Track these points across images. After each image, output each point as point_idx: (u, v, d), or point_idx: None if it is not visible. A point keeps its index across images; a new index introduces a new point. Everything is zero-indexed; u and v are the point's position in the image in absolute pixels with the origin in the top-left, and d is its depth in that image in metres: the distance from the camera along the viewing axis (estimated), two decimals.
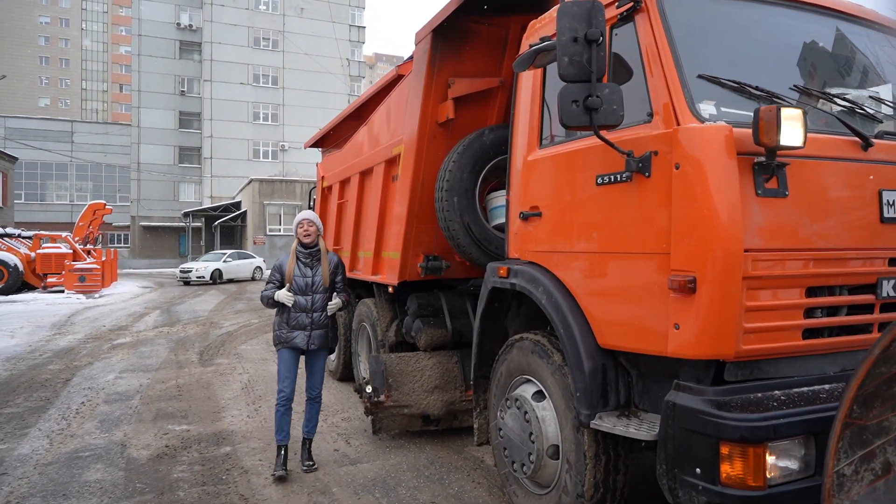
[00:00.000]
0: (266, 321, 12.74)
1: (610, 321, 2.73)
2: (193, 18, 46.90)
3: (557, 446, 3.09)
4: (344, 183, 6.73)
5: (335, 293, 4.49)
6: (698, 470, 2.26)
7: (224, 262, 26.69)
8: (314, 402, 4.56)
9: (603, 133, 2.48)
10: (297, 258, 4.36)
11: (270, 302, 4.35)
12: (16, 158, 36.97)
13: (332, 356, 7.34)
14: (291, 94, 45.86)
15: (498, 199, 4.40)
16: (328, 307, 4.38)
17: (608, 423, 2.67)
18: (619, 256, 2.64)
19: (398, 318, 5.54)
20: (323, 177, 7.56)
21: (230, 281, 26.35)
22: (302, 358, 4.50)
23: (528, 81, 3.38)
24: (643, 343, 2.56)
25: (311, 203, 8.73)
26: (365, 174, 5.98)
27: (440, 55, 4.35)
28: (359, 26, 49.49)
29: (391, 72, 5.28)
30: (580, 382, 2.79)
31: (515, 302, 3.82)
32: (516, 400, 3.30)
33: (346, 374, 6.92)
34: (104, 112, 79.33)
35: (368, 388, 4.71)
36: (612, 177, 2.65)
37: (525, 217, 3.29)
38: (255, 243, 34.01)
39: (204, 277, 25.39)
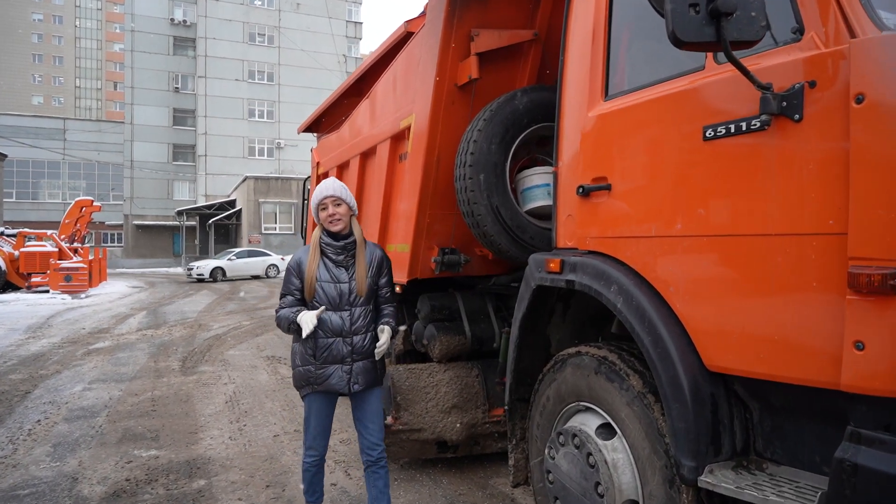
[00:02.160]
0: (259, 322, 11.90)
1: (726, 334, 1.90)
2: (188, 14, 45.95)
3: (636, 502, 2.27)
4: (342, 168, 5.90)
5: (382, 309, 3.02)
6: None
7: (228, 259, 26.51)
8: (378, 467, 3.00)
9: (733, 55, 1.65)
10: (323, 254, 2.89)
11: (293, 325, 2.81)
12: (4, 156, 36.05)
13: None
14: (287, 91, 44.95)
15: (532, 177, 3.57)
16: (376, 352, 2.89)
17: (727, 482, 1.85)
18: (746, 241, 1.81)
19: (407, 324, 4.71)
20: (318, 163, 6.74)
21: (237, 279, 26.09)
22: (341, 400, 3.16)
23: (586, 5, 2.55)
24: (786, 367, 1.73)
25: (305, 195, 7.91)
26: (366, 155, 5.15)
27: (461, 1, 3.53)
28: (355, 22, 48.62)
29: (398, 30, 4.46)
30: (681, 420, 1.96)
31: (561, 304, 3.00)
32: (574, 436, 2.47)
33: None
34: (98, 110, 78.26)
35: None
36: (734, 126, 1.82)
37: (586, 192, 2.46)
38: (250, 242, 33.14)
39: (203, 276, 25.64)
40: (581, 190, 2.47)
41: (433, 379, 4.09)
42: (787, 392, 1.84)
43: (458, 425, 3.95)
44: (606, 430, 2.41)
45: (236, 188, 38.14)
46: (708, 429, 1.95)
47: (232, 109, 43.80)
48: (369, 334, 2.93)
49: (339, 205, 2.89)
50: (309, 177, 7.82)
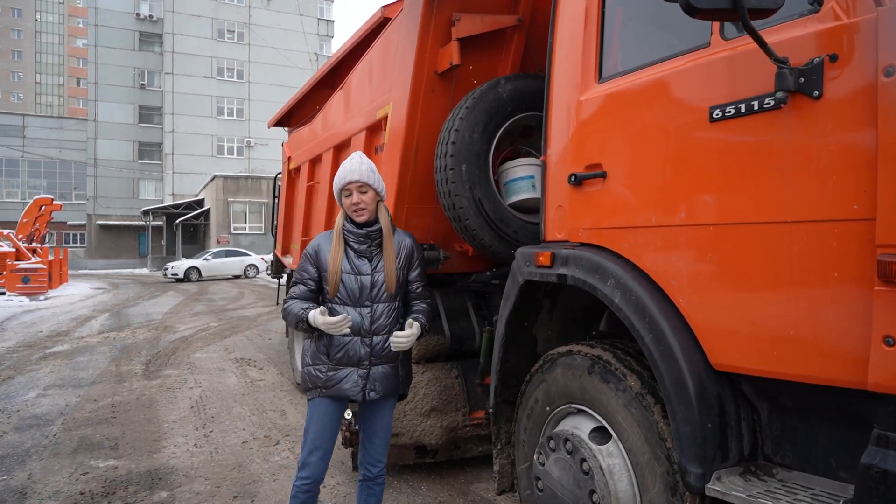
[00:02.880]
0: (228, 324, 11.54)
1: (734, 330, 1.76)
2: (154, 9, 44.86)
3: None
4: (314, 162, 5.67)
5: (413, 306, 2.67)
6: None
7: (204, 259, 26.18)
8: (375, 484, 2.72)
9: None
10: (346, 244, 2.55)
11: (302, 323, 2.48)
12: None
13: (300, 365, 6.28)
14: (257, 89, 44.18)
15: (516, 169, 3.42)
16: (393, 342, 2.49)
17: (738, 490, 1.71)
18: (758, 229, 1.68)
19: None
20: (290, 157, 6.49)
21: (214, 280, 25.70)
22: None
23: None
24: (803, 365, 1.60)
25: (276, 192, 7.64)
26: (341, 148, 4.94)
27: None
28: (327, 20, 48.08)
29: (374, 16, 4.26)
30: (686, 424, 1.82)
31: (549, 301, 2.85)
32: (566, 440, 2.31)
33: None
34: (60, 107, 75.95)
35: (348, 414, 3.66)
36: (745, 105, 1.69)
37: (578, 181, 2.31)
38: (219, 242, 32.44)
39: (178, 275, 25.35)
40: (573, 178, 2.32)
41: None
42: (801, 392, 1.71)
43: (437, 429, 3.77)
44: (601, 434, 2.26)
45: (205, 187, 37.32)
46: (715, 432, 1.81)
47: (200, 107, 42.87)
48: (391, 337, 2.55)
49: (365, 192, 2.52)
50: (280, 173, 7.57)
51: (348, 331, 2.45)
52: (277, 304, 8.91)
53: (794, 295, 1.60)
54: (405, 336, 2.49)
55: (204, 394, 6.25)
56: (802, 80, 1.55)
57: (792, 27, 1.60)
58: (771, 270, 1.64)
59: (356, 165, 2.53)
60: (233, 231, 33.37)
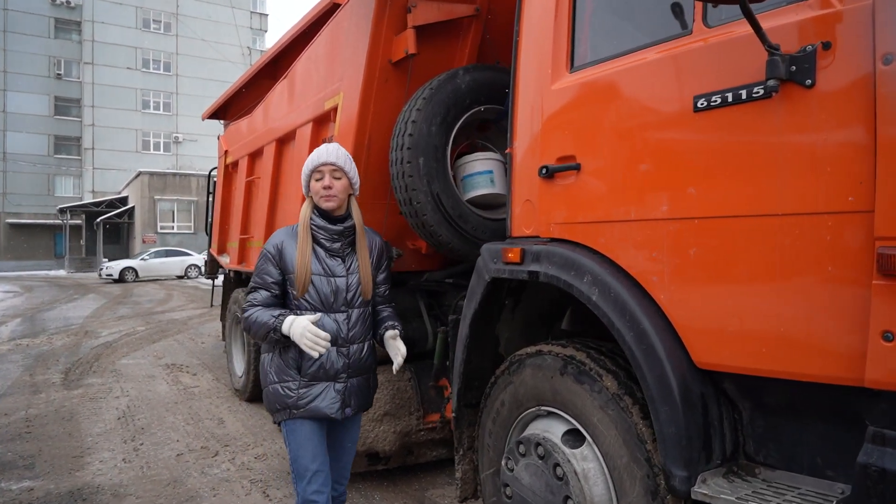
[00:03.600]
0: (156, 328, 10.91)
1: (720, 327, 1.70)
2: None
3: None
4: (254, 156, 5.39)
5: (380, 312, 2.48)
6: None
7: (142, 259, 24.99)
8: (338, 503, 2.55)
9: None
10: (315, 241, 2.27)
11: (275, 333, 2.15)
12: None
13: (239, 371, 5.97)
14: (186, 83, 42.39)
15: (474, 163, 3.31)
16: (398, 356, 2.36)
17: (725, 492, 1.65)
18: (746, 222, 1.62)
19: None
20: (227, 151, 6.15)
21: (153, 281, 24.51)
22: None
23: None
24: (793, 363, 1.55)
25: (211, 187, 7.25)
26: (284, 141, 4.70)
27: None
28: (261, 13, 46.72)
29: (322, 1, 4.04)
30: (670, 425, 1.75)
31: (511, 300, 2.75)
32: (537, 445, 2.21)
33: (259, 394, 5.54)
34: None
35: None
36: (731, 94, 1.63)
37: (550, 173, 2.21)
38: (144, 242, 30.88)
39: (112, 276, 24.27)
40: (544, 171, 2.22)
41: None
42: (786, 390, 1.67)
43: (391, 434, 3.62)
44: (574, 438, 2.17)
45: (129, 184, 35.45)
46: (699, 433, 1.75)
47: (123, 100, 40.72)
48: (367, 343, 2.37)
49: (338, 177, 2.29)
50: (215, 168, 7.18)
51: (317, 355, 2.13)
52: (212, 305, 8.49)
53: (785, 290, 1.55)
54: (403, 352, 2.37)
55: (132, 403, 5.83)
56: (794, 68, 1.50)
57: (782, 14, 1.56)
58: (761, 265, 1.59)
59: (333, 149, 2.30)
60: (160, 230, 31.86)
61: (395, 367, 2.35)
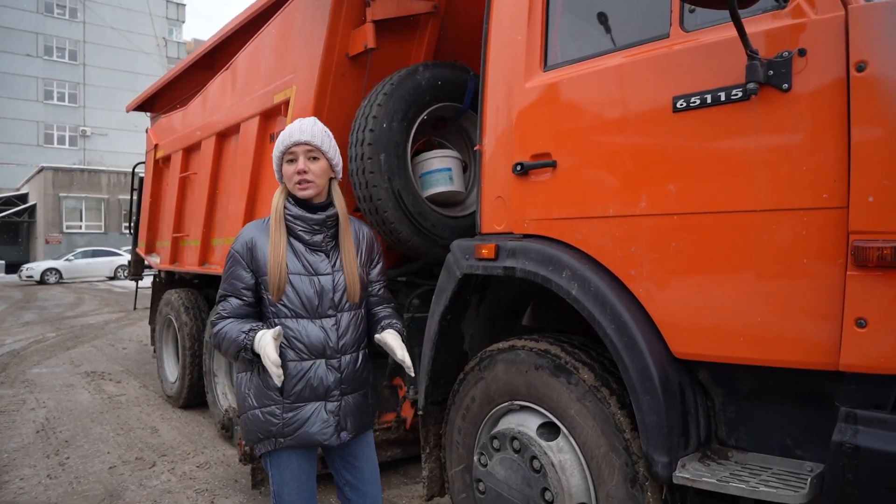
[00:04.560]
0: (69, 334, 10.19)
1: (700, 318, 1.79)
2: None
3: None
4: (190, 150, 5.14)
5: (377, 313, 2.12)
6: None
7: (66, 260, 23.29)
8: None
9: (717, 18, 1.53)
10: (292, 234, 1.95)
11: (246, 353, 1.84)
12: None
13: (172, 376, 5.67)
14: (95, 73, 39.77)
15: (433, 161, 3.31)
16: (398, 352, 1.98)
17: (706, 475, 1.73)
18: (725, 218, 1.71)
19: None
20: (157, 145, 5.83)
21: (73, 283, 22.96)
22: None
23: None
24: (771, 350, 1.65)
25: (137, 183, 6.86)
26: (225, 135, 4.51)
27: None
28: (178, 3, 44.60)
29: None
30: (652, 414, 1.81)
31: (476, 296, 2.76)
32: (513, 439, 2.24)
33: (195, 399, 5.32)
34: None
35: None
36: (710, 96, 1.71)
37: (525, 170, 2.24)
38: (47, 242, 28.76)
39: (33, 278, 22.62)
40: (519, 168, 2.25)
41: None
42: (757, 376, 1.78)
43: None
44: (548, 431, 2.21)
45: (29, 180, 32.87)
46: (679, 421, 1.82)
47: (23, 89, 37.69)
48: (361, 353, 2.02)
49: (315, 159, 1.92)
50: (140, 163, 6.80)
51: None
52: (135, 308, 8.02)
53: (762, 282, 1.64)
54: (402, 350, 1.96)
55: (51, 415, 5.42)
56: (772, 72, 1.59)
57: (759, 21, 1.65)
58: (739, 259, 1.68)
59: (308, 125, 1.95)
60: (66, 230, 29.78)
61: (406, 363, 1.97)
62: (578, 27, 2.20)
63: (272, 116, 3.88)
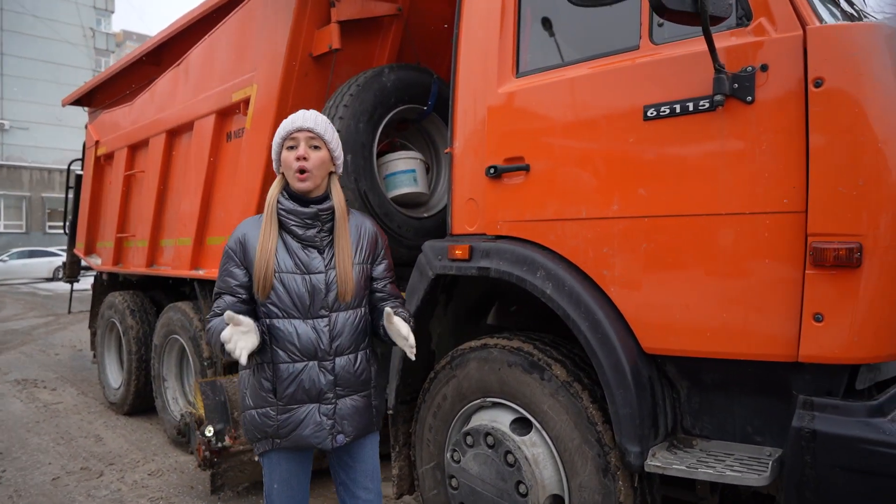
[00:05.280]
0: None
1: (669, 316, 1.90)
2: None
3: (560, 497, 2.18)
4: (137, 148, 4.95)
5: (386, 305, 1.95)
6: None
7: (0, 261, 21.49)
8: None
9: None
10: (285, 229, 1.87)
11: (222, 346, 1.72)
12: None
13: (115, 382, 5.45)
14: (14, 63, 37.33)
15: (397, 162, 3.34)
16: (403, 334, 1.83)
17: (676, 463, 1.84)
18: (693, 221, 1.82)
19: None
20: (98, 141, 5.58)
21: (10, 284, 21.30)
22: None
23: None
24: (735, 344, 1.77)
25: (73, 181, 6.54)
26: (177, 133, 4.38)
27: None
28: None
29: None
30: (625, 406, 1.91)
31: (444, 296, 2.81)
32: (486, 435, 2.30)
33: (141, 405, 5.13)
34: None
35: (209, 431, 3.26)
36: (679, 106, 1.82)
37: (498, 173, 2.31)
38: None
39: None
40: (492, 171, 2.31)
41: None
42: (720, 369, 1.90)
43: None
44: (520, 426, 2.29)
45: None
46: (649, 412, 1.93)
47: None
48: (360, 354, 1.93)
49: (317, 147, 1.85)
50: (77, 160, 6.50)
51: (244, 360, 1.67)
52: (70, 312, 7.63)
53: (727, 281, 1.77)
54: (408, 332, 1.83)
55: None
56: (737, 85, 1.72)
57: (724, 38, 1.77)
58: (706, 259, 1.80)
59: (311, 114, 1.89)
60: None
61: (409, 350, 1.85)
62: (550, 36, 2.28)
63: (229, 115, 3.81)
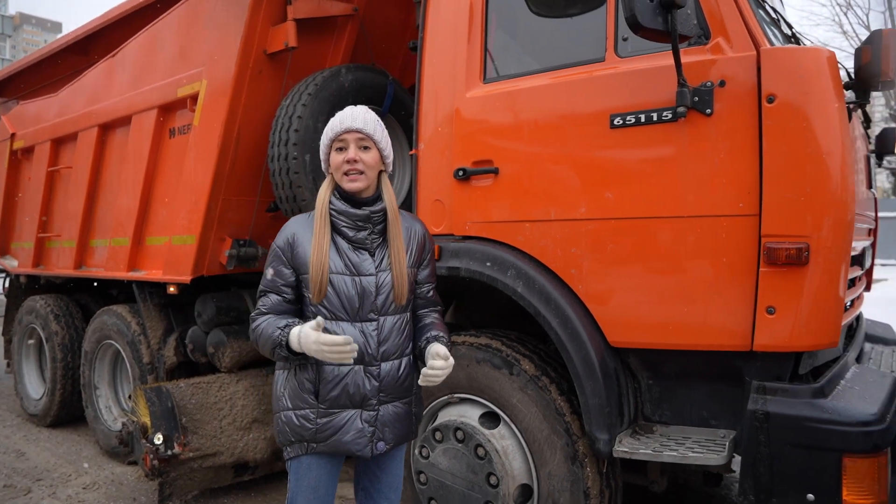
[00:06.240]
0: None
1: (634, 311, 2.04)
2: None
3: (528, 486, 2.28)
4: (62, 142, 4.66)
5: (423, 317, 1.95)
6: (811, 496, 1.72)
7: None
8: None
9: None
10: (335, 230, 1.81)
11: (281, 350, 1.73)
12: None
13: (36, 392, 5.12)
14: None
15: None
16: (428, 374, 1.74)
17: (642, 448, 1.98)
18: (654, 223, 1.97)
19: (177, 331, 3.95)
20: (14, 134, 5.20)
21: None
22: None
23: None
24: (695, 336, 1.93)
25: None
26: (111, 127, 4.17)
27: None
28: None
29: None
30: (595, 397, 2.03)
31: None
32: (456, 430, 2.36)
33: (67, 416, 4.84)
34: None
35: (157, 439, 3.14)
36: (644, 115, 1.96)
37: (466, 176, 2.38)
38: None
39: None
40: (461, 173, 2.38)
41: (225, 392, 3.53)
42: (679, 360, 2.06)
43: (261, 441, 3.48)
44: (489, 420, 2.37)
45: None
46: (616, 402, 2.06)
47: None
48: (405, 360, 1.86)
49: (366, 148, 1.79)
50: None
51: (352, 360, 1.69)
52: None
53: (688, 278, 1.92)
54: (441, 369, 1.73)
55: None
56: (697, 98, 1.87)
57: (687, 54, 1.91)
58: (668, 258, 1.95)
59: (360, 113, 1.83)
60: None
61: (425, 379, 1.75)
62: (518, 44, 2.38)
63: (173, 110, 3.67)
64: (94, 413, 4.41)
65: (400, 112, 3.40)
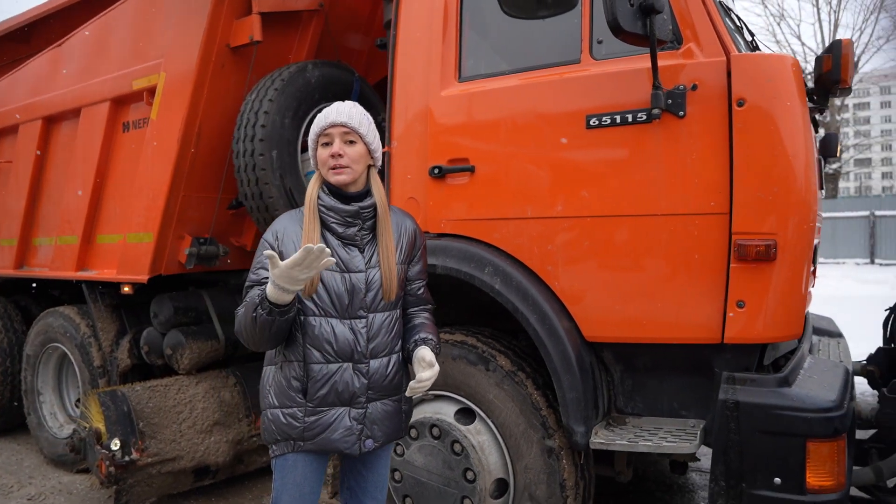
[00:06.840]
0: None
1: (609, 307, 2.09)
2: None
3: (504, 480, 2.31)
4: (1, 135, 4.41)
5: (413, 317, 1.92)
6: (778, 480, 1.82)
7: None
8: None
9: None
10: (324, 226, 1.79)
11: (262, 310, 1.60)
12: None
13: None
14: None
15: None
16: (413, 387, 1.73)
17: (618, 439, 2.04)
18: (630, 221, 2.03)
19: (131, 332, 3.80)
20: None
21: None
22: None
23: None
24: (668, 330, 2.00)
25: None
26: (57, 120, 3.98)
27: None
28: None
29: None
30: (572, 391, 2.08)
31: None
32: (432, 426, 2.37)
33: (4, 425, 4.58)
34: None
35: (115, 444, 3.02)
36: (619, 116, 2.02)
37: (442, 174, 2.39)
38: None
39: None
40: (437, 171, 2.39)
41: (184, 395, 3.42)
42: (650, 353, 2.13)
43: (223, 444, 3.39)
44: (464, 416, 2.39)
45: None
46: (591, 395, 2.11)
47: None
48: (394, 357, 1.84)
49: (352, 142, 1.76)
50: None
51: (333, 260, 1.58)
52: None
53: (662, 274, 1.99)
54: (427, 377, 1.72)
55: None
56: (670, 101, 1.94)
57: (661, 57, 1.98)
58: (643, 254, 2.02)
59: (345, 107, 1.81)
60: None
61: (413, 390, 1.74)
62: (493, 44, 2.41)
63: (127, 103, 3.54)
64: (37, 420, 4.18)
65: (366, 109, 3.38)
